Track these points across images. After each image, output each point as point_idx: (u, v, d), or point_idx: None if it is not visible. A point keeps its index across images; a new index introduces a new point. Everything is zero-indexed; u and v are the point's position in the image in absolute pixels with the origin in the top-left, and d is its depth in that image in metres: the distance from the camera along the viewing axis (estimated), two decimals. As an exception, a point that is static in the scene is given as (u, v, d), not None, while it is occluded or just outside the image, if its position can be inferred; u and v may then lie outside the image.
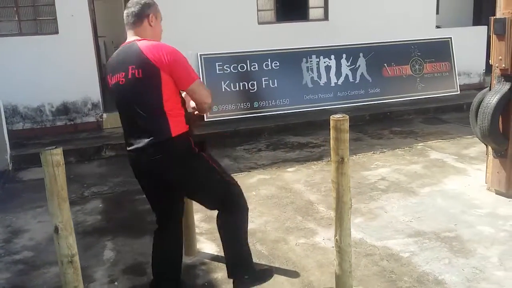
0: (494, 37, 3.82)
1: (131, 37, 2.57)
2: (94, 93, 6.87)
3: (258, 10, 7.45)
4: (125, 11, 2.58)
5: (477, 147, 5.64)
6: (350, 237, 2.45)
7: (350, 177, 2.39)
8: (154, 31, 2.60)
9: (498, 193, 4.16)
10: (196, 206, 3.81)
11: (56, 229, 2.08)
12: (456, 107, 7.95)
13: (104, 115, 6.99)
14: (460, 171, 4.90)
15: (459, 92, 8.58)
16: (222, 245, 2.87)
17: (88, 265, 3.37)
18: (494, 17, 3.80)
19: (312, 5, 7.92)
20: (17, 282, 3.23)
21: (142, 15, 2.55)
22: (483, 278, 2.94)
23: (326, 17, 7.97)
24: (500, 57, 3.77)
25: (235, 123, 7.07)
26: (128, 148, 2.58)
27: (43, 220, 4.25)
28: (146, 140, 2.47)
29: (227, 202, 2.73)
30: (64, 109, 6.78)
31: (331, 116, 2.32)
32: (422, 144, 6.01)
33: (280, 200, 4.38)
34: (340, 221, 2.38)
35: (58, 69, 6.58)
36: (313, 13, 7.96)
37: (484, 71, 9.05)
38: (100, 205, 4.56)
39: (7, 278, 3.28)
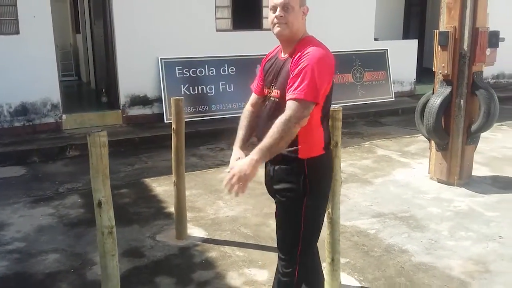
0: (437, 48, 4.50)
1: None
2: (54, 94, 6.87)
3: (216, 18, 7.83)
4: None
5: (416, 145, 6.42)
6: (339, 210, 2.92)
7: (341, 159, 2.87)
8: None
9: (440, 181, 4.85)
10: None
11: (99, 203, 2.36)
12: (392, 112, 8.81)
13: (64, 116, 7.00)
14: (405, 165, 5.59)
15: (393, 99, 9.48)
16: None
17: (86, 251, 3.57)
18: (438, 30, 4.49)
19: (266, 15, 8.44)
20: (18, 268, 3.36)
21: None
22: (439, 247, 3.54)
23: (277, 27, 8.51)
24: (443, 65, 4.46)
25: (194, 124, 7.36)
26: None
27: (24, 214, 4.33)
28: None
29: None
30: (23, 110, 6.72)
31: (328, 108, 2.78)
32: (368, 143, 6.69)
33: (253, 191, 4.75)
34: (333, 196, 2.84)
35: (18, 70, 6.52)
36: (267, 22, 8.47)
37: (415, 80, 10.06)
38: (79, 200, 4.69)
39: (6, 265, 3.39)
